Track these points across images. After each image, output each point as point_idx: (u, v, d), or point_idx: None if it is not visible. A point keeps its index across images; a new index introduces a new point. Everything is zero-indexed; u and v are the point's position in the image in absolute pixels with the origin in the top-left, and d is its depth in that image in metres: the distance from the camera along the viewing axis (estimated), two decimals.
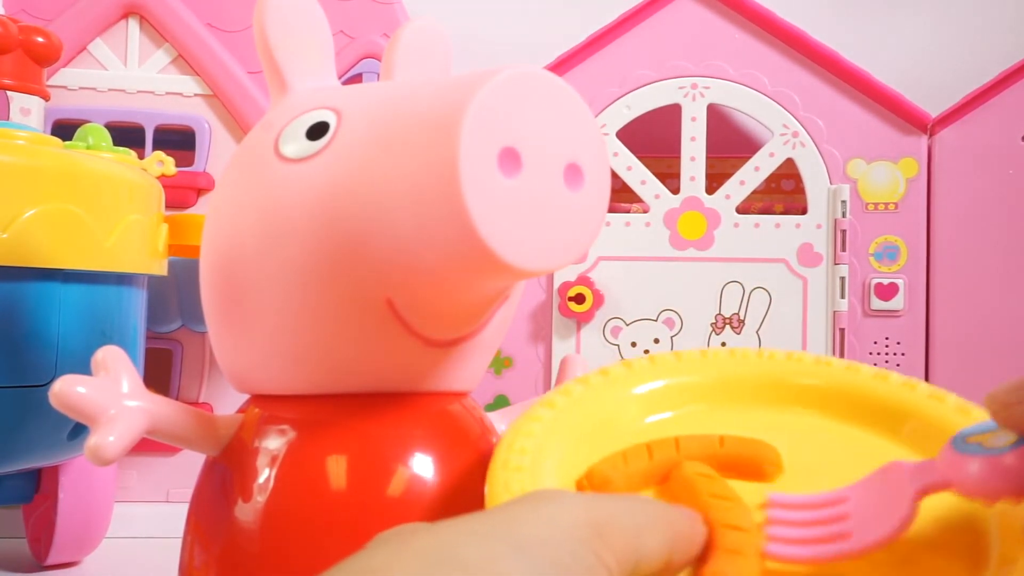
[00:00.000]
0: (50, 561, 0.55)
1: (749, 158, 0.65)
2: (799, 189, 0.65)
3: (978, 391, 0.66)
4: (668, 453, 0.28)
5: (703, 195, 0.64)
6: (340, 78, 0.66)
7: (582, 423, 0.32)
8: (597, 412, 0.32)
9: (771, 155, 0.64)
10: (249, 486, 0.33)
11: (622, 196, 0.66)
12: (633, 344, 0.64)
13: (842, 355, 0.63)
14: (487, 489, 0.28)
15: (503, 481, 0.28)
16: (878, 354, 0.63)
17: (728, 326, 0.64)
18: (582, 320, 0.65)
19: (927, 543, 0.25)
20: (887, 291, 0.63)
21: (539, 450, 0.29)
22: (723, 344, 0.64)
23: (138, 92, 0.65)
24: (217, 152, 0.65)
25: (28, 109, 0.55)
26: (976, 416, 0.29)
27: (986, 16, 0.80)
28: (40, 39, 0.55)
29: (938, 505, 0.25)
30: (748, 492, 0.26)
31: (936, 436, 0.27)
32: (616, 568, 0.21)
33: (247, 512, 0.32)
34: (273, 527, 0.32)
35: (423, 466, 0.33)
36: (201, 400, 0.65)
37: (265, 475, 0.32)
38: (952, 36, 0.80)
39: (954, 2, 0.80)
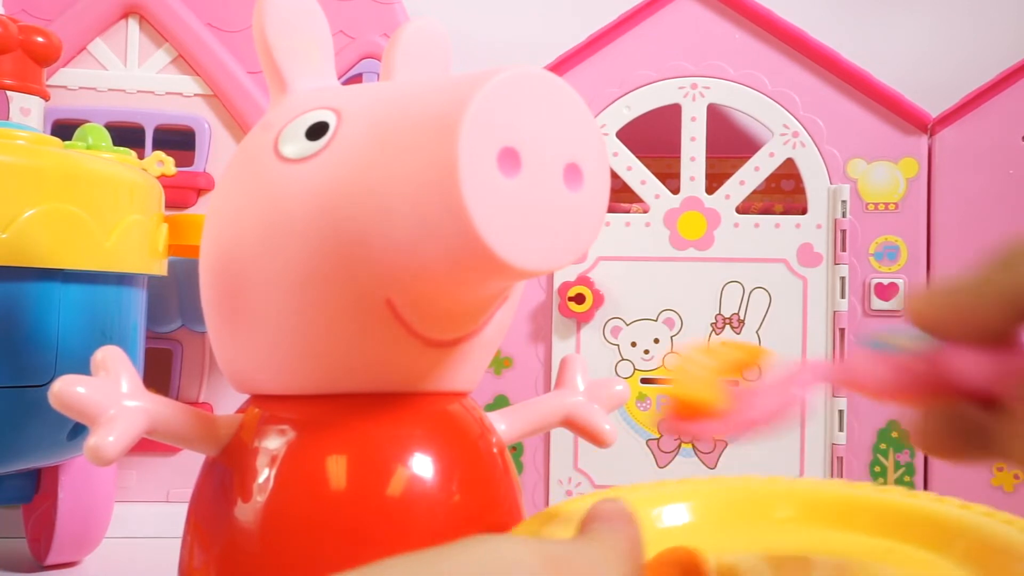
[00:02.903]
0: (50, 561, 0.55)
1: (749, 158, 0.65)
2: (799, 189, 0.65)
3: None
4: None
5: (703, 195, 0.64)
6: (340, 78, 0.66)
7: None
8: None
9: (771, 155, 0.64)
10: (249, 486, 0.33)
11: (622, 196, 0.66)
12: (633, 344, 0.64)
13: (842, 355, 0.63)
14: None
15: None
16: None
17: (728, 326, 0.64)
18: (582, 320, 0.65)
19: None
20: (887, 291, 0.63)
21: None
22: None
23: (138, 92, 0.65)
24: (217, 152, 0.65)
25: (28, 109, 0.55)
26: (1020, 525, 0.29)
27: (986, 16, 0.79)
28: (40, 39, 0.55)
29: None
30: None
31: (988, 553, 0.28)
32: None
33: (247, 512, 0.32)
34: (273, 527, 0.32)
35: (423, 466, 0.33)
36: (201, 400, 0.65)
37: (265, 475, 0.32)
38: (952, 36, 0.80)
39: (954, 2, 0.80)
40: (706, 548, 0.29)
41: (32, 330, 0.45)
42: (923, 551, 0.31)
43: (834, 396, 0.63)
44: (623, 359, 0.65)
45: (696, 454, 0.64)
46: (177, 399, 0.52)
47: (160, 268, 0.53)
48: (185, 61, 0.65)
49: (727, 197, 0.64)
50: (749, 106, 0.64)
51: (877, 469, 0.62)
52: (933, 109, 0.64)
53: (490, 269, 0.28)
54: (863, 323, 0.63)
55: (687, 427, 0.26)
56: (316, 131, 0.32)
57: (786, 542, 0.32)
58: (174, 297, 0.63)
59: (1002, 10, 0.79)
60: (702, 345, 0.29)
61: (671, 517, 0.33)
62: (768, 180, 0.67)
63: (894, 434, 0.63)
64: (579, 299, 0.64)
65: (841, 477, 0.62)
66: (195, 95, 0.65)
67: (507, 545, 0.21)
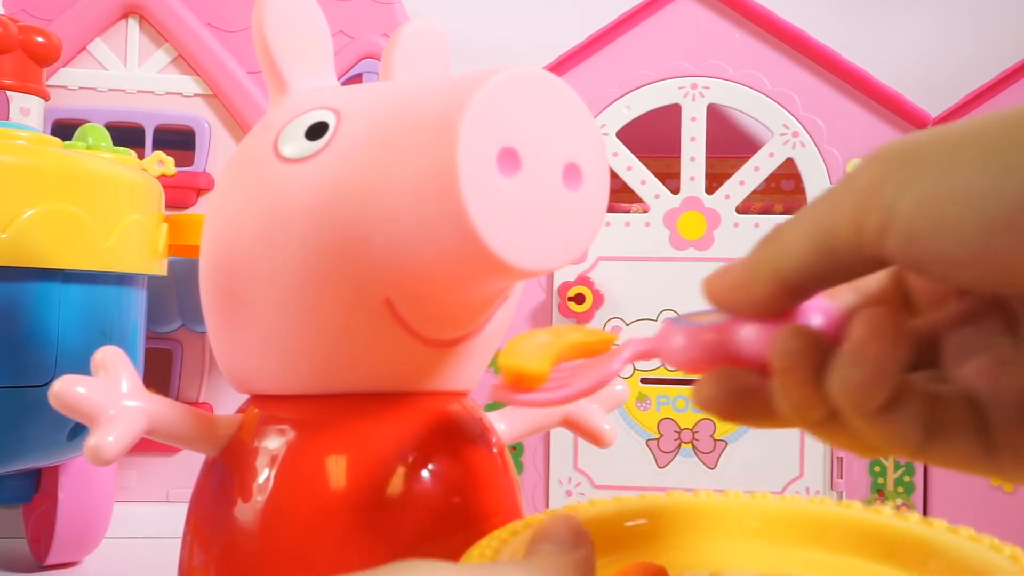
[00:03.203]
0: (50, 561, 0.55)
1: (749, 158, 0.65)
2: (799, 189, 0.65)
3: None
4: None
5: (703, 195, 0.64)
6: (340, 78, 0.66)
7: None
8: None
9: (771, 155, 0.64)
10: (248, 486, 0.33)
11: (622, 196, 0.66)
12: None
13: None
14: None
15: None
16: None
17: None
18: (582, 320, 0.65)
19: None
20: None
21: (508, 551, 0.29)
22: None
23: (138, 92, 0.65)
24: (217, 152, 0.65)
25: (28, 109, 0.55)
26: (1006, 551, 0.29)
27: (986, 16, 0.79)
28: (40, 39, 0.55)
29: None
30: None
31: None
32: None
33: (247, 512, 0.32)
34: (272, 527, 0.32)
35: (422, 466, 0.33)
36: (201, 400, 0.65)
37: (264, 475, 0.33)
38: (952, 36, 0.80)
39: (954, 2, 0.80)
40: (672, 563, 0.29)
41: (32, 330, 0.45)
42: (889, 568, 0.31)
43: None
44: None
45: (696, 454, 0.64)
46: (177, 399, 0.52)
47: (160, 268, 0.53)
48: (185, 61, 0.65)
49: (727, 197, 0.64)
50: (749, 106, 0.64)
51: (877, 469, 0.62)
52: (933, 109, 0.64)
53: (489, 269, 0.28)
54: None
55: (512, 395, 0.27)
56: (316, 131, 0.32)
57: (754, 558, 0.32)
58: (174, 297, 0.63)
59: (1002, 10, 0.79)
60: (550, 328, 0.30)
61: (640, 532, 0.33)
62: (768, 180, 0.67)
63: None
64: (579, 299, 0.64)
65: (841, 477, 0.62)
66: (195, 95, 0.65)
67: (436, 571, 0.21)
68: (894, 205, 0.19)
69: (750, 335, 0.23)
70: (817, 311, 0.23)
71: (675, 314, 0.64)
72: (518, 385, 0.27)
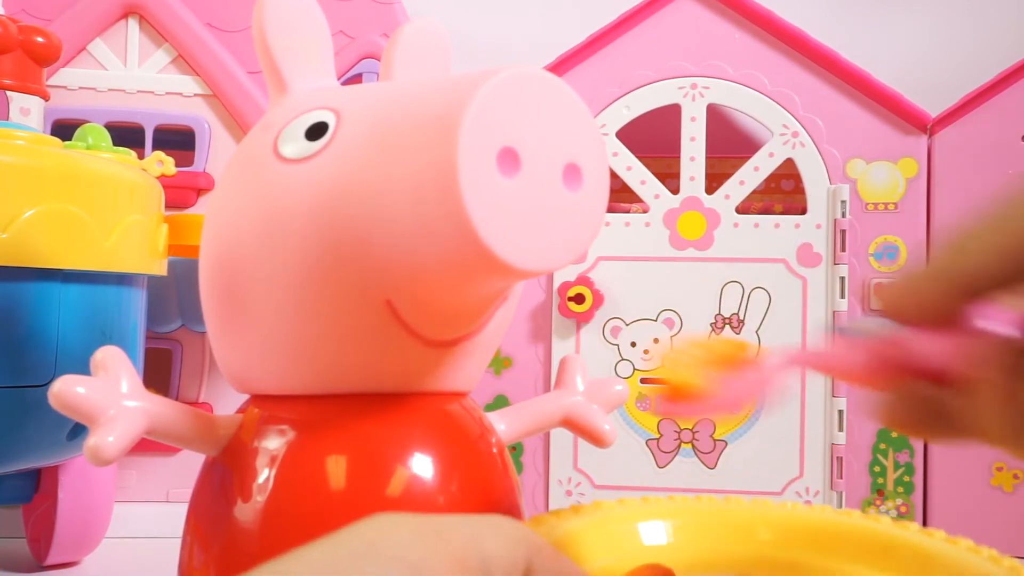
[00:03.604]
0: (50, 561, 0.55)
1: (749, 158, 0.65)
2: (799, 189, 0.65)
3: None
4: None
5: (703, 195, 0.64)
6: (340, 78, 0.66)
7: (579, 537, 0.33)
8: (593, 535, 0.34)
9: (771, 155, 0.64)
10: (248, 486, 0.33)
11: (622, 196, 0.66)
12: (633, 344, 0.64)
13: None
14: None
15: None
16: None
17: (728, 326, 0.64)
18: (582, 320, 0.65)
19: None
20: None
21: None
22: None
23: (138, 92, 0.65)
24: (217, 152, 0.65)
25: (28, 109, 0.55)
26: (1004, 563, 0.30)
27: (986, 16, 0.80)
28: (40, 39, 0.55)
29: None
30: None
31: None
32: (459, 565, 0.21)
33: (246, 512, 0.32)
34: (272, 527, 0.32)
35: (422, 466, 0.33)
36: (201, 400, 0.65)
37: (264, 475, 0.32)
38: (952, 36, 0.80)
39: (954, 2, 0.80)
40: (682, 566, 0.29)
41: (32, 330, 0.45)
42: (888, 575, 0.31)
43: (834, 396, 0.63)
44: (623, 359, 0.65)
45: (696, 454, 0.64)
46: (177, 399, 0.52)
47: (160, 268, 0.53)
48: (185, 61, 0.65)
49: (727, 197, 0.64)
50: (749, 106, 0.64)
51: (877, 469, 0.62)
52: (933, 109, 0.64)
53: (489, 269, 0.28)
54: None
55: (677, 408, 0.28)
56: (315, 131, 0.32)
57: (763, 565, 0.33)
58: (174, 297, 0.63)
59: (1002, 10, 0.79)
60: (694, 338, 0.30)
61: (653, 534, 0.34)
62: (768, 180, 0.67)
63: (894, 434, 0.63)
64: (579, 299, 0.64)
65: (841, 478, 0.62)
66: (195, 95, 0.65)
67: (399, 523, 0.22)
68: None
69: (929, 347, 0.22)
70: (995, 318, 0.22)
71: (675, 314, 0.64)
72: (680, 397, 0.28)
